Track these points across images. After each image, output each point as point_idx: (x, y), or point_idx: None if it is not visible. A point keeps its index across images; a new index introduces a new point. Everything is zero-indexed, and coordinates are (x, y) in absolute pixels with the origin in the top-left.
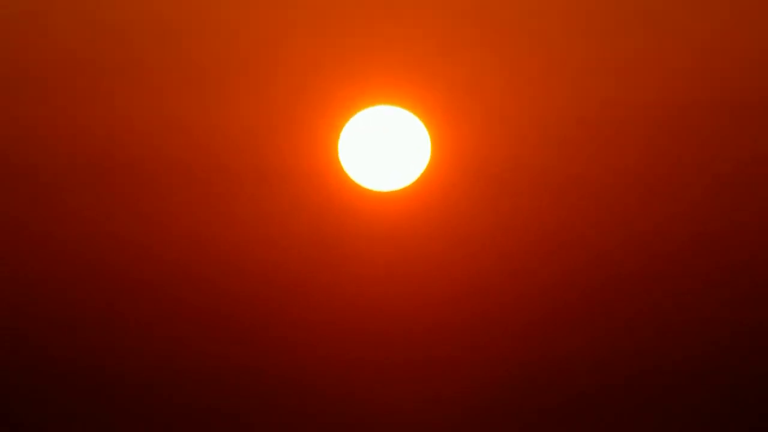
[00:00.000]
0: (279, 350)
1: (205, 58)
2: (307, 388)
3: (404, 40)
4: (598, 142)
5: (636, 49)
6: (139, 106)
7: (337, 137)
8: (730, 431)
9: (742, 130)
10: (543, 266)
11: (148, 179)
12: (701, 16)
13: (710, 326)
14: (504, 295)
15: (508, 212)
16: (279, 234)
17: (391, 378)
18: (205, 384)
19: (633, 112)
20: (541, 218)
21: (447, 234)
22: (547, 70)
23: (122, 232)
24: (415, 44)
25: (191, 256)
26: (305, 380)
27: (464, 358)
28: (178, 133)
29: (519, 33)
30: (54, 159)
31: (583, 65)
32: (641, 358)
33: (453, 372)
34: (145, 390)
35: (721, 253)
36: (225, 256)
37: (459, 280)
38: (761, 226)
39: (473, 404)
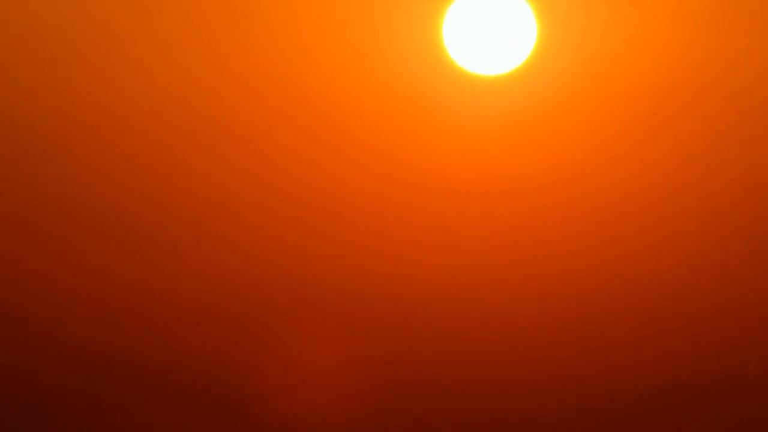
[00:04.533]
0: (382, 240)
1: None
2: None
3: None
4: (717, 31)
5: None
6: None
7: (441, 19)
8: None
9: None
10: (647, 155)
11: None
12: None
13: None
14: (606, 183)
15: (613, 102)
16: (381, 120)
17: (490, 270)
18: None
19: None
20: (649, 111)
21: (549, 119)
22: None
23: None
24: None
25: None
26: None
27: (566, 244)
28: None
29: None
30: None
31: None
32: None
33: (554, 256)
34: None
35: None
36: (329, 146)
37: (558, 165)
38: None
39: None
